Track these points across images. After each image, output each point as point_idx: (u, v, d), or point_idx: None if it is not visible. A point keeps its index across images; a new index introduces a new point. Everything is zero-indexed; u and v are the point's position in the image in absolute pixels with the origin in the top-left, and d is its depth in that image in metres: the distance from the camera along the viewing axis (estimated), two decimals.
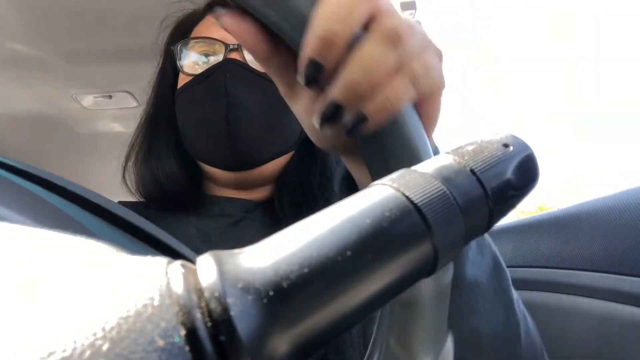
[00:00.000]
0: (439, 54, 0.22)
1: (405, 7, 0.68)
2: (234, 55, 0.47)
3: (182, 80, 0.49)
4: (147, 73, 0.57)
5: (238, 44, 0.47)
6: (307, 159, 0.51)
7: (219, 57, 0.48)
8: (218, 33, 0.48)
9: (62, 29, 0.72)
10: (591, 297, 0.52)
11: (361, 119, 0.19)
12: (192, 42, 0.49)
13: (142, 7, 0.68)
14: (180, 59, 0.49)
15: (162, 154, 0.51)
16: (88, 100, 0.94)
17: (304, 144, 0.51)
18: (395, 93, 0.19)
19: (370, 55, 0.19)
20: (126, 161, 0.54)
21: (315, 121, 0.20)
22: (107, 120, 1.03)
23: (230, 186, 0.51)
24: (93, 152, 1.14)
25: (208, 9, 0.52)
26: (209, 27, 0.49)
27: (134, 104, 0.95)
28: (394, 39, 0.19)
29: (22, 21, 0.70)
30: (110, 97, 0.93)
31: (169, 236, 0.25)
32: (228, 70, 0.46)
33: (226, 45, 0.47)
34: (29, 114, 0.97)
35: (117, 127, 1.07)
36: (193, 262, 0.10)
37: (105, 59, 0.81)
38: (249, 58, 0.47)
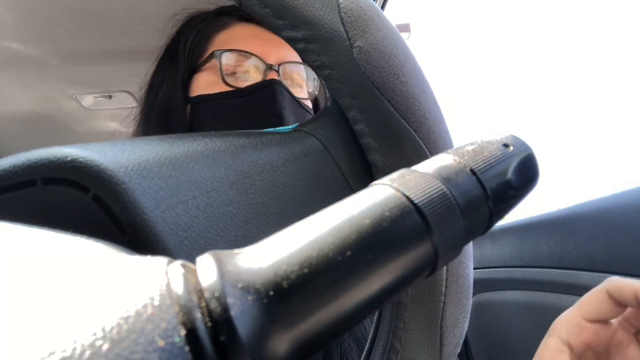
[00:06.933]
0: None
1: (401, 29, 0.68)
2: (273, 76, 0.47)
3: (209, 86, 0.48)
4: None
5: (277, 64, 0.47)
6: None
7: (256, 75, 0.48)
8: (254, 47, 0.48)
9: (61, 28, 0.72)
10: None
11: None
12: (230, 53, 0.48)
13: (142, 7, 0.68)
14: (220, 67, 0.48)
15: None
16: (88, 100, 0.94)
17: None
18: None
19: None
20: None
21: None
22: (106, 120, 1.03)
23: None
24: None
25: (227, 13, 0.52)
26: (242, 39, 0.49)
27: (134, 103, 0.95)
28: None
29: (21, 21, 0.70)
30: (110, 97, 0.93)
31: None
32: (279, 92, 0.46)
33: (267, 64, 0.47)
34: (29, 114, 0.97)
35: (116, 127, 1.07)
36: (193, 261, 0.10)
37: (105, 59, 0.81)
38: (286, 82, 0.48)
